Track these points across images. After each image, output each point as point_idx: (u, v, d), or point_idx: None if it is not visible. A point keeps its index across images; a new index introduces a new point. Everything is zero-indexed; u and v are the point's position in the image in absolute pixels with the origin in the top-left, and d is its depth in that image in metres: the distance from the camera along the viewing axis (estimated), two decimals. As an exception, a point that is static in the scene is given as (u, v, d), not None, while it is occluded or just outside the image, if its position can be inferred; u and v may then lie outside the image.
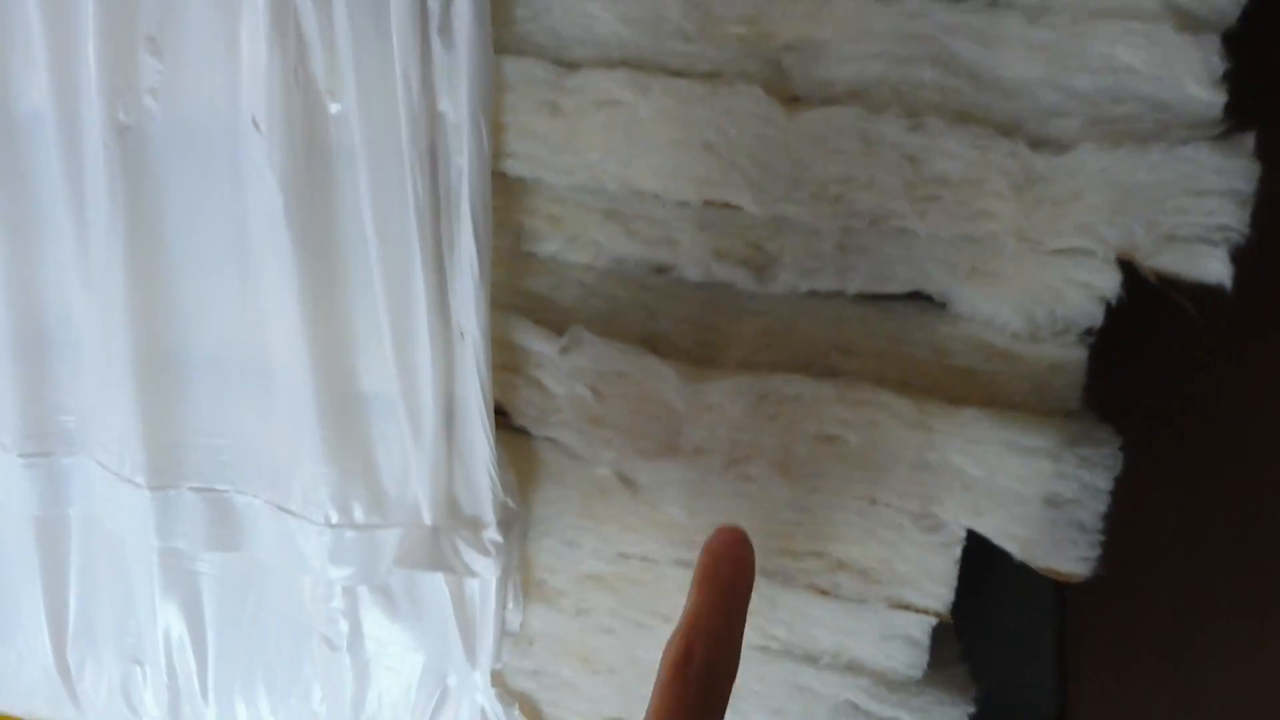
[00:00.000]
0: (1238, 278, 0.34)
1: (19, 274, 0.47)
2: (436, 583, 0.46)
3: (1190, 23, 0.32)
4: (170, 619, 0.52)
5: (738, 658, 0.33)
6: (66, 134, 0.43)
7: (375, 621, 0.49)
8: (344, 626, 0.49)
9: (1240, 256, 0.33)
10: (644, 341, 0.41)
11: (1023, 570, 0.39)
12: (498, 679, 0.48)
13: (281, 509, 0.46)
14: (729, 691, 0.32)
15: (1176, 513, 0.42)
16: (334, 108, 0.39)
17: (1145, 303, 0.36)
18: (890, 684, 0.42)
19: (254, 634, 0.52)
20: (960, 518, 0.39)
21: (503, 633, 0.46)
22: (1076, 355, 0.37)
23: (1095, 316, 0.37)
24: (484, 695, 0.48)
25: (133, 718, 0.55)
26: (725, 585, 0.34)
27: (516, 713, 0.48)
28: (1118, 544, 0.38)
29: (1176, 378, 0.41)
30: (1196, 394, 0.41)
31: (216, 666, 0.52)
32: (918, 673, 0.42)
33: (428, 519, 0.44)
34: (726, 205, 0.38)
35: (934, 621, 0.41)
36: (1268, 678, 0.40)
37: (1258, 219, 0.33)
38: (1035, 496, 0.37)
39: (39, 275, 0.47)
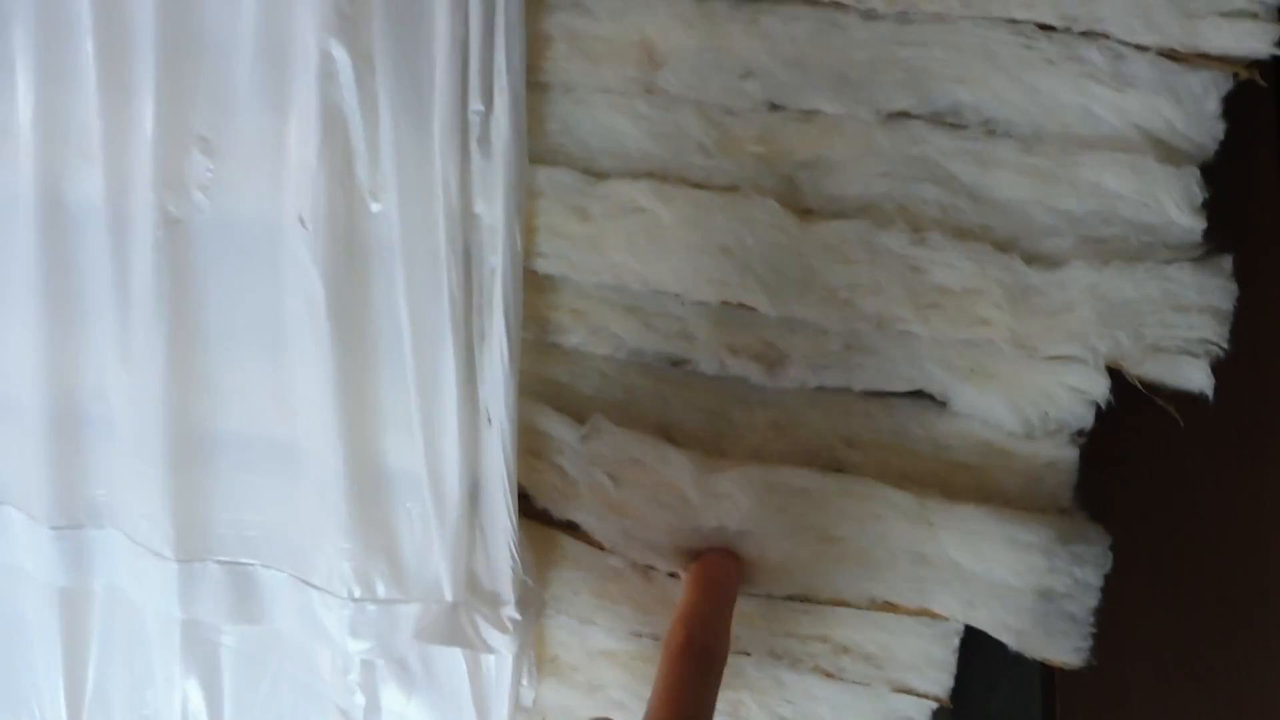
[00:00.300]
0: (1219, 385, 0.37)
1: (60, 354, 0.49)
2: (453, 657, 0.47)
3: (1171, 155, 0.35)
4: (189, 689, 0.52)
5: (729, 643, 0.39)
6: (117, 224, 0.46)
7: (391, 695, 0.50)
8: (360, 699, 0.50)
9: (1220, 367, 0.36)
10: (659, 429, 0.43)
11: (1011, 653, 0.41)
12: (510, 754, 0.49)
13: (304, 582, 0.48)
14: (723, 670, 0.38)
15: (1160, 604, 0.44)
16: (376, 207, 0.42)
17: (1131, 407, 0.38)
18: (891, 764, 0.44)
19: (270, 706, 0.53)
20: (957, 611, 0.41)
21: (516, 707, 0.48)
22: (1068, 455, 0.40)
23: (1086, 419, 0.39)
24: (496, 768, 0.49)
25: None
26: (715, 584, 0.40)
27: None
28: (1103, 630, 0.40)
29: (1159, 478, 0.43)
30: (1179, 493, 0.43)
31: (233, 737, 0.53)
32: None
33: (448, 595, 0.45)
34: (742, 305, 0.40)
35: (934, 705, 0.43)
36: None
37: (1235, 333, 0.36)
38: (1029, 590, 0.39)
39: (79, 355, 0.49)
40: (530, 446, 0.44)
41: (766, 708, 0.44)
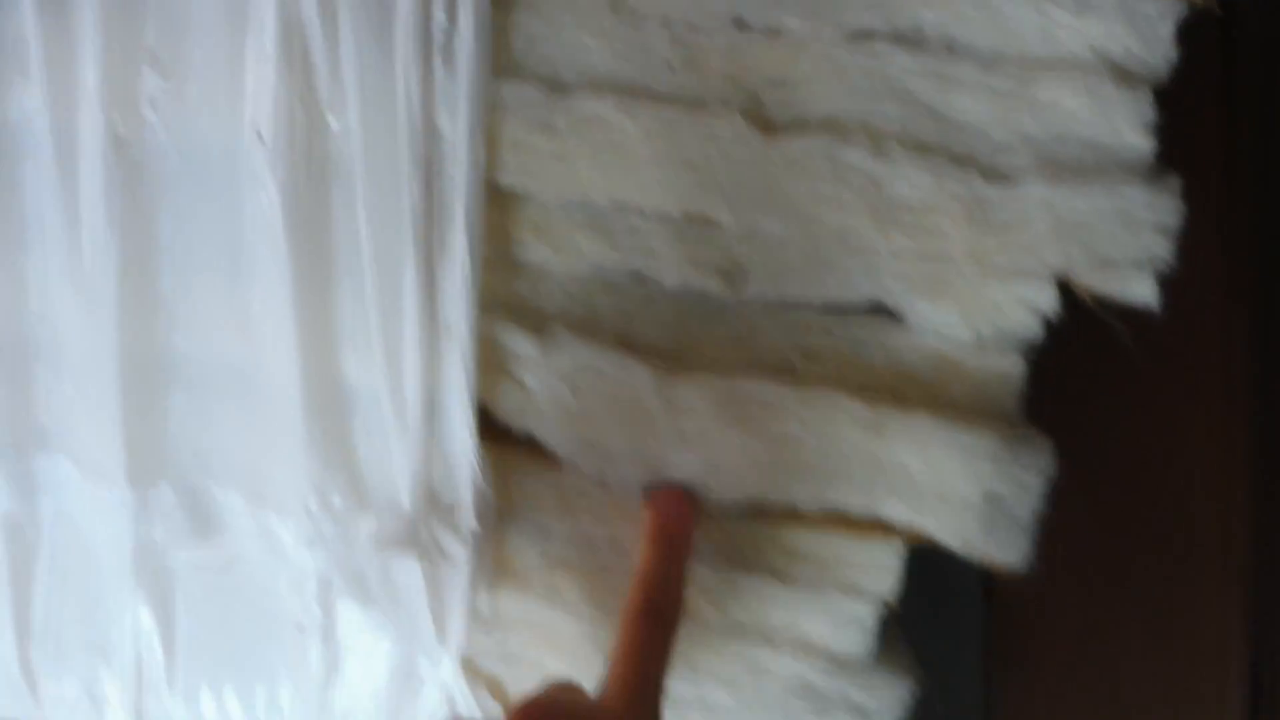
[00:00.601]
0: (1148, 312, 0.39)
1: (4, 277, 0.48)
2: (410, 570, 0.48)
3: (1126, 78, 0.37)
4: (140, 612, 0.52)
5: (683, 600, 0.41)
6: (62, 144, 0.44)
7: (348, 608, 0.50)
8: (317, 613, 0.50)
9: (1163, 284, 0.38)
10: (621, 343, 0.44)
11: (948, 588, 0.43)
12: (467, 662, 0.50)
13: (261, 499, 0.48)
14: (678, 628, 0.41)
15: (1090, 520, 0.46)
16: (335, 122, 0.42)
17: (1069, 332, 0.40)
18: (840, 663, 0.45)
19: (225, 623, 0.52)
20: (906, 517, 0.42)
21: (473, 616, 0.49)
22: (1017, 367, 0.41)
23: (1035, 331, 0.41)
24: (453, 678, 0.50)
25: (96, 714, 0.55)
26: (672, 541, 0.42)
27: (484, 694, 0.50)
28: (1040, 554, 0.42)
29: (1089, 401, 0.45)
30: (1108, 415, 0.45)
31: (185, 658, 0.53)
32: (865, 653, 0.45)
33: (406, 506, 0.46)
34: (705, 219, 0.41)
35: (881, 608, 0.44)
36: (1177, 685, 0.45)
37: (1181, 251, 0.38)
38: (977, 495, 0.41)
39: (25, 279, 0.48)
40: (490, 360, 0.44)
41: (721, 609, 0.45)
